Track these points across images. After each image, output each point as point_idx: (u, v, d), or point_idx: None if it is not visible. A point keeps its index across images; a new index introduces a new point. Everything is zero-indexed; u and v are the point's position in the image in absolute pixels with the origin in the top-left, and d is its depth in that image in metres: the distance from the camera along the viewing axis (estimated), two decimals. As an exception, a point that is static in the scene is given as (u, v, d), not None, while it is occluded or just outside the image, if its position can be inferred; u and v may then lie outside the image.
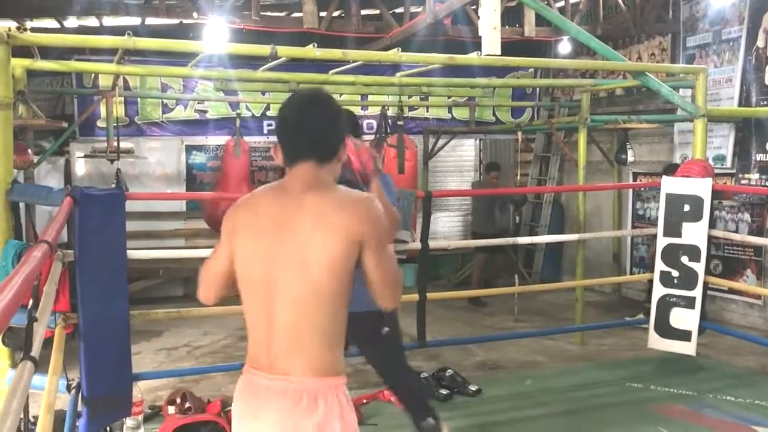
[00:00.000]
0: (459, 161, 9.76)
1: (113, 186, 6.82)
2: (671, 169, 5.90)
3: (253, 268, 1.95)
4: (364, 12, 7.42)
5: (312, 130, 1.93)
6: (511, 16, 8.03)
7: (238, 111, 8.13)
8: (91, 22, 7.69)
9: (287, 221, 1.89)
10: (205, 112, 8.76)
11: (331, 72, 5.71)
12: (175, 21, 7.60)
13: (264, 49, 4.20)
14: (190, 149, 8.80)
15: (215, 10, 6.72)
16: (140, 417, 4.08)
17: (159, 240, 8.17)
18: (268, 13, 7.49)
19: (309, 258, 1.85)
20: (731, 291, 6.80)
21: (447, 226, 9.42)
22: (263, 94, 8.19)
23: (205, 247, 6.44)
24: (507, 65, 5.14)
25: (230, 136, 8.07)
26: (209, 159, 8.79)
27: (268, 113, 8.91)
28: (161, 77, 8.21)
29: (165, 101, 8.57)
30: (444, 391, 4.60)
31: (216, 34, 6.53)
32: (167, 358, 5.96)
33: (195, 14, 6.97)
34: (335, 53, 4.40)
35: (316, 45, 4.34)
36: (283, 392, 1.89)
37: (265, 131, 8.96)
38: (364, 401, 4.55)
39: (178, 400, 4.22)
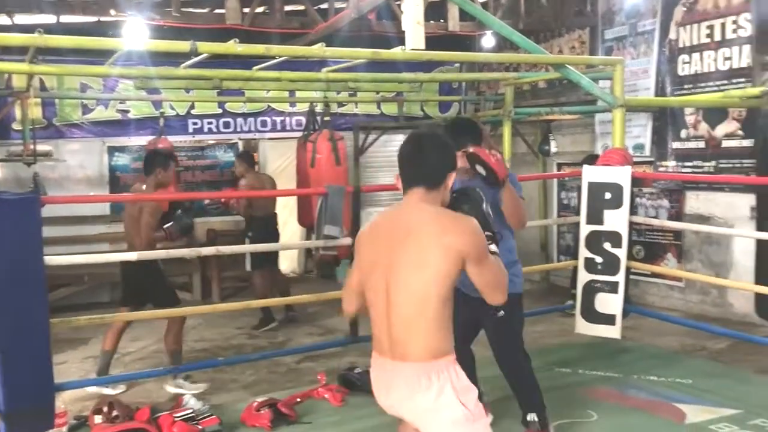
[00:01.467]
0: (390, 157, 9.77)
1: (29, 190, 6.56)
2: (591, 159, 6.07)
3: (373, 274, 2.40)
4: (288, 8, 7.36)
5: (423, 164, 2.41)
6: (435, 11, 8.09)
7: (161, 110, 7.95)
8: (3, 20, 7.37)
9: (402, 238, 2.33)
10: (127, 111, 8.52)
11: (255, 68, 5.63)
12: (93, 18, 7.36)
13: (184, 45, 4.11)
14: (112, 151, 8.56)
15: (134, 7, 6.54)
16: (64, 429, 3.95)
17: (83, 245, 7.91)
18: (190, 10, 7.33)
19: (419, 269, 2.28)
20: (653, 275, 7.06)
21: (379, 222, 9.45)
22: (187, 92, 8.02)
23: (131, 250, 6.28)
24: (431, 60, 5.18)
25: (153, 136, 7.87)
26: (133, 160, 8.56)
27: (193, 112, 8.74)
28: (80, 77, 7.94)
29: (85, 102, 8.29)
30: (378, 386, 4.60)
31: (135, 31, 6.35)
32: (94, 366, 5.76)
33: (113, 11, 6.77)
34: (257, 49, 4.34)
35: (237, 40, 4.27)
36: (404, 374, 2.33)
37: (191, 130, 8.79)
38: (298, 400, 4.52)
39: (105, 409, 4.09)
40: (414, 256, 2.30)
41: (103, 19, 7.32)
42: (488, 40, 8.79)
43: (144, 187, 5.19)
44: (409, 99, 8.68)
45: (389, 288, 2.34)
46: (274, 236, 6.95)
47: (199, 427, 4.04)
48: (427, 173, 2.42)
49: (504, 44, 8.72)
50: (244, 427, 4.20)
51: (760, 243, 5.62)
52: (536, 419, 3.68)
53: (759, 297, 5.63)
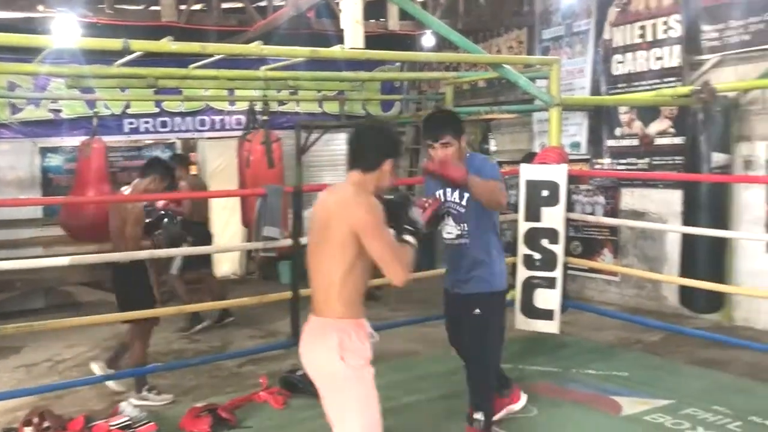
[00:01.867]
0: (332, 156, 9.74)
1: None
2: (530, 158, 6.16)
3: (310, 244, 2.81)
4: (225, 5, 7.26)
5: (359, 150, 2.76)
6: (374, 9, 8.10)
7: (95, 110, 7.71)
8: None
9: (325, 213, 2.69)
10: (60, 111, 8.23)
11: (191, 66, 5.52)
12: (20, 15, 7.11)
13: (116, 43, 3.99)
14: (44, 151, 8.29)
15: (64, 3, 6.34)
16: (-8, 441, 3.80)
17: (15, 249, 7.63)
18: (123, 6, 7.15)
19: (331, 240, 2.63)
20: (591, 270, 7.22)
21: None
22: (122, 91, 7.80)
23: (65, 254, 6.08)
24: (370, 58, 5.19)
25: (87, 136, 7.63)
26: (66, 161, 8.31)
27: (129, 111, 8.51)
28: (8, 75, 7.63)
29: (13, 101, 7.98)
30: (320, 387, 4.57)
31: (65, 28, 6.15)
32: (27, 375, 5.59)
33: (41, 7, 6.55)
34: (193, 47, 4.25)
35: (172, 38, 4.18)
36: (314, 326, 2.73)
37: (126, 129, 8.55)
38: (239, 404, 4.45)
39: (36, 420, 3.95)
40: (328, 229, 2.66)
41: (31, 15, 7.08)
42: (428, 40, 8.84)
43: (128, 190, 5.02)
44: (350, 98, 8.66)
45: (315, 255, 2.73)
46: (209, 242, 7.00)
47: (136, 435, 3.95)
48: (362, 158, 2.75)
49: (444, 44, 8.78)
50: (183, 433, 4.12)
51: (684, 237, 5.81)
52: (482, 419, 3.67)
53: (683, 288, 5.83)
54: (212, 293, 6.87)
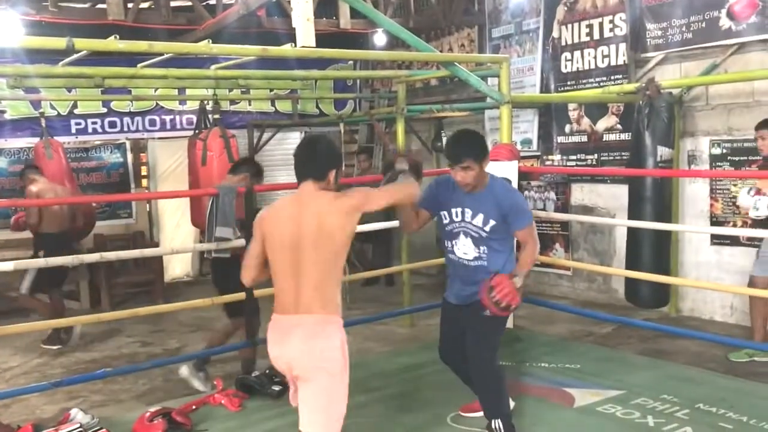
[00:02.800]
0: (286, 155, 9.67)
1: None
2: None
3: (281, 248, 2.90)
4: (174, 3, 7.15)
5: (308, 162, 2.98)
6: (326, 8, 8.07)
7: (41, 110, 7.52)
8: None
9: (308, 218, 2.87)
10: (3, 112, 8.04)
11: (139, 65, 5.42)
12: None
13: (59, 42, 3.88)
14: (-13, 153, 8.04)
15: (5, 1, 6.16)
16: (-64, 453, 3.67)
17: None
18: (68, 4, 6.99)
19: (326, 246, 2.86)
20: (543, 264, 7.33)
21: (276, 221, 9.30)
22: (69, 91, 7.63)
23: (11, 259, 5.91)
24: (322, 57, 5.17)
25: (33, 137, 7.44)
26: (10, 163, 8.08)
27: (76, 111, 8.34)
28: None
29: (-47, 102, 7.75)
30: (276, 388, 4.53)
31: (7, 26, 5.98)
32: (-25, 383, 5.43)
33: (-19, 5, 6.36)
34: (140, 45, 4.18)
35: (118, 36, 4.10)
36: (307, 323, 2.88)
37: (74, 131, 8.38)
38: (194, 407, 4.39)
39: (-18, 430, 3.84)
40: (319, 239, 2.85)
41: (-29, 13, 6.86)
42: (380, 38, 8.86)
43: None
44: (303, 96, 8.63)
45: (299, 258, 2.85)
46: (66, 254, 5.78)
47: (87, 442, 3.86)
48: (314, 169, 2.97)
49: (396, 42, 8.81)
50: (136, 439, 4.05)
51: (629, 231, 5.94)
52: (501, 427, 3.62)
53: (628, 282, 5.96)
54: (54, 315, 6.10)
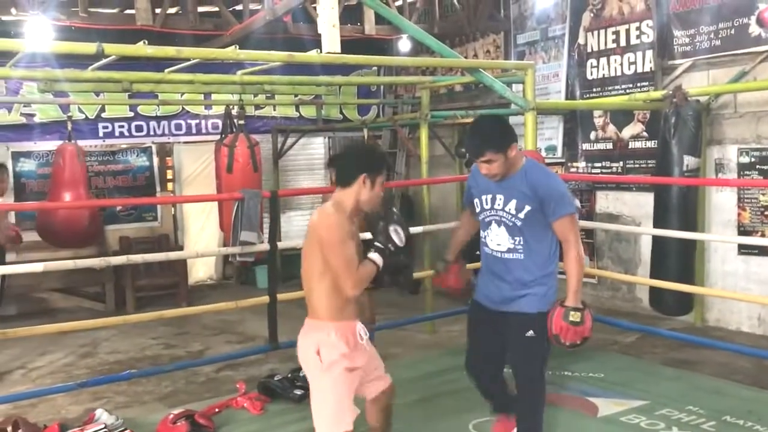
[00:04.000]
0: (309, 159, 9.75)
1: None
2: None
3: (302, 252, 3.05)
4: (201, 9, 7.21)
5: (338, 167, 3.03)
6: (351, 14, 8.11)
7: (69, 114, 7.63)
8: None
9: (310, 226, 2.98)
10: (33, 115, 8.16)
11: (167, 70, 5.48)
12: (-8, 18, 7.03)
13: (89, 47, 3.94)
14: (17, 156, 8.17)
15: (37, 6, 6.26)
16: (-35, 451, 3.74)
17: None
18: (98, 10, 7.08)
19: (307, 252, 2.97)
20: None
21: (300, 225, 9.35)
22: (96, 95, 7.73)
23: (38, 260, 6.00)
24: (346, 63, 5.18)
25: (61, 140, 7.55)
26: (39, 166, 8.21)
27: (103, 115, 8.45)
28: (-21, 79, 7.56)
29: (-15, 105, 7.89)
30: (299, 392, 4.56)
31: (38, 31, 6.08)
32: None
33: (14, 10, 6.47)
34: (168, 51, 4.22)
35: (146, 42, 4.15)
36: (305, 326, 3.07)
37: (101, 134, 8.49)
38: (217, 410, 4.43)
39: (9, 429, 3.90)
40: (309, 243, 2.96)
41: (3, 18, 6.99)
42: (404, 44, 8.87)
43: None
44: (327, 102, 8.66)
45: (303, 263, 3.01)
46: None
47: (112, 443, 3.91)
48: (340, 175, 3.00)
49: (420, 48, 8.82)
50: (159, 440, 4.09)
51: (655, 239, 5.89)
52: None
53: (653, 290, 5.91)
54: None
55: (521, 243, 3.30)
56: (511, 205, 3.28)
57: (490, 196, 3.36)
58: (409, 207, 9.53)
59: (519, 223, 3.27)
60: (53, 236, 6.92)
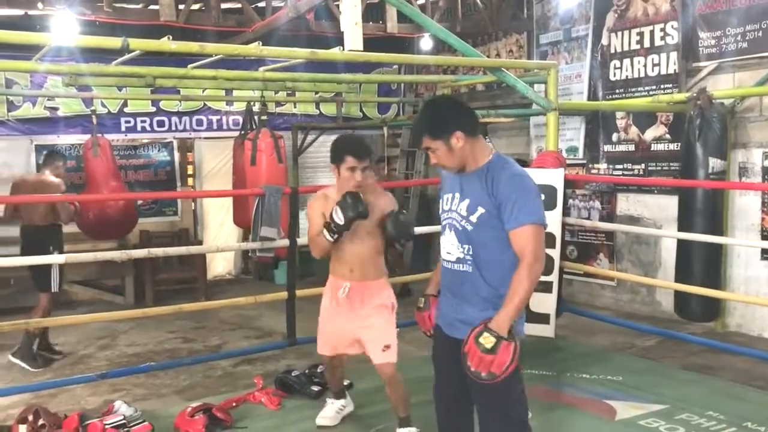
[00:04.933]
0: (328, 157, 9.71)
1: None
2: (520, 164, 6.16)
3: None
4: (224, 5, 7.24)
5: None
6: (373, 12, 8.11)
7: (92, 108, 7.69)
8: None
9: None
10: (56, 109, 8.24)
11: (190, 66, 5.51)
12: (19, 12, 7.09)
13: (115, 42, 3.98)
14: (40, 149, 8.24)
15: (63, 1, 6.32)
16: (-14, 439, 3.78)
17: (9, 247, 7.59)
18: (122, 5, 7.14)
19: None
20: (586, 274, 7.23)
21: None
22: (119, 90, 7.80)
23: (62, 252, 6.05)
24: (369, 61, 5.17)
25: (84, 134, 7.62)
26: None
27: (126, 110, 8.52)
28: (6, 72, 7.64)
29: (11, 98, 7.97)
30: (315, 388, 4.58)
31: (64, 25, 6.14)
32: (21, 373, 5.57)
33: (40, 5, 6.53)
34: (192, 46, 4.25)
35: (171, 37, 4.18)
36: None
37: (123, 128, 8.56)
38: (234, 404, 4.45)
39: (30, 418, 3.94)
40: None
41: (30, 12, 7.06)
42: (426, 43, 8.86)
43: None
44: (347, 100, 8.67)
45: None
46: (41, 247, 5.68)
47: (131, 434, 3.94)
48: None
49: (442, 47, 8.80)
50: (177, 433, 4.11)
51: (680, 243, 5.82)
52: None
53: (678, 295, 5.84)
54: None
55: (470, 253, 2.70)
56: (463, 206, 2.71)
57: (450, 195, 2.81)
58: (427, 206, 9.52)
59: (469, 228, 2.68)
60: (93, 228, 6.93)
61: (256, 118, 7.32)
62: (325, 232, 3.62)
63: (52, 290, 5.85)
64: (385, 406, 4.42)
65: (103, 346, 6.35)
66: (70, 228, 6.93)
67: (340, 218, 3.55)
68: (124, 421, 4.02)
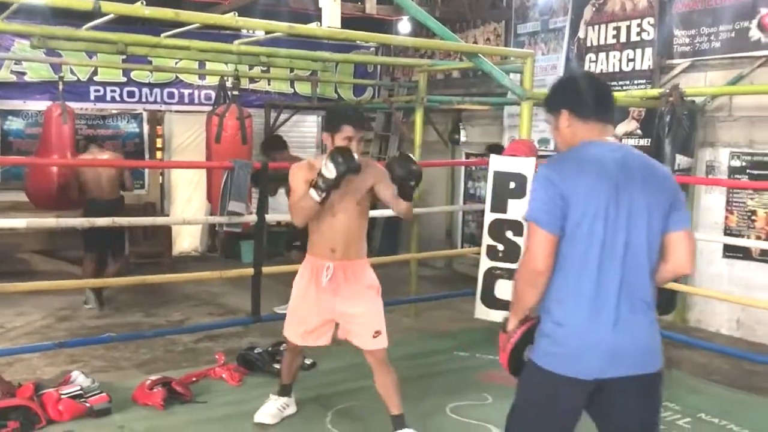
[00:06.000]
0: (301, 137, 9.68)
1: None
2: (495, 149, 6.19)
3: None
4: (201, -24, 7.12)
5: None
6: (353, -8, 8.05)
7: (61, 74, 7.52)
8: None
9: None
10: (24, 74, 8.04)
11: (163, 35, 5.40)
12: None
13: (86, 3, 3.88)
14: (5, 114, 8.07)
15: (33, -39, 6.13)
16: (-63, 404, 3.69)
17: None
18: (96, -30, 6.95)
19: None
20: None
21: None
22: (90, 57, 7.62)
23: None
24: (347, 38, 5.13)
25: (51, 101, 7.44)
26: (28, 126, 8.11)
27: (96, 78, 8.34)
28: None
29: (-26, 61, 7.76)
30: (278, 366, 4.54)
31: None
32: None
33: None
34: (166, 13, 4.15)
35: (145, 2, 4.08)
36: None
37: (92, 97, 8.38)
38: (194, 379, 4.41)
39: (-17, 385, 3.85)
40: None
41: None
42: (404, 26, 8.82)
43: None
44: (323, 79, 8.60)
45: None
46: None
47: (87, 404, 3.88)
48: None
49: (420, 32, 8.75)
50: (135, 405, 4.06)
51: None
52: None
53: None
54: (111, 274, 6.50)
55: None
56: None
57: None
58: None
59: None
60: (36, 196, 6.79)
61: (228, 93, 7.23)
62: (312, 191, 3.30)
63: None
64: (347, 386, 4.44)
65: (63, 317, 6.24)
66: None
67: (330, 171, 3.24)
68: (81, 392, 3.95)
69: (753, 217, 5.95)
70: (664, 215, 2.30)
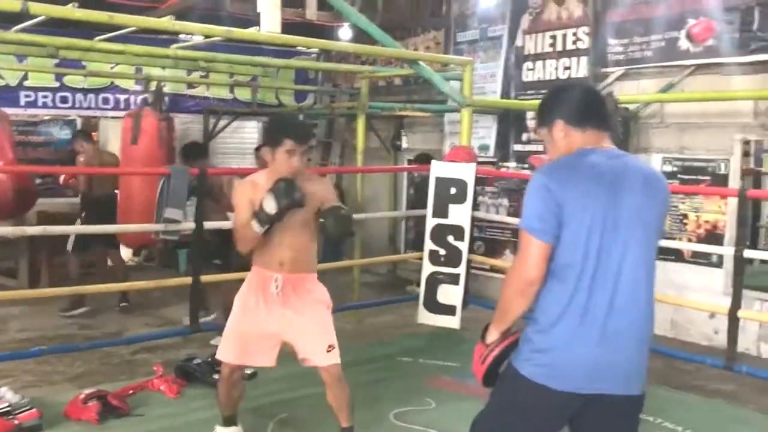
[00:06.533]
0: (241, 143, 9.57)
1: None
2: (424, 159, 6.27)
3: None
4: (137, -21, 6.97)
5: None
6: (293, -2, 7.99)
7: (-11, 78, 7.26)
8: None
9: None
10: (-52, 77, 7.72)
11: (96, 38, 5.26)
12: None
13: (14, 4, 3.74)
14: (-72, 119, 7.69)
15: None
16: None
17: None
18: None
19: None
20: (492, 269, 7.37)
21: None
22: (20, 61, 7.37)
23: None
24: (286, 44, 5.07)
25: (-22, 106, 7.14)
26: (-48, 131, 7.74)
27: (26, 83, 8.06)
28: None
29: None
30: (216, 377, 4.44)
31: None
32: None
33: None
34: (100, 16, 4.04)
35: (77, 4, 3.96)
36: None
37: (23, 103, 8.10)
38: (131, 392, 4.28)
39: None
40: None
41: None
42: (345, 33, 8.81)
43: None
44: (263, 85, 8.51)
45: None
46: (111, 218, 6.10)
47: (16, 421, 3.71)
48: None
49: (361, 38, 8.75)
50: (68, 421, 3.91)
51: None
52: None
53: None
54: (112, 275, 6.59)
55: None
56: None
57: None
58: (341, 198, 9.49)
59: None
60: None
61: (165, 98, 7.08)
62: (254, 222, 3.13)
63: None
64: (288, 395, 4.38)
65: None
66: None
67: (271, 207, 3.08)
68: (8, 408, 3.79)
69: (684, 221, 6.14)
70: (659, 225, 2.29)
